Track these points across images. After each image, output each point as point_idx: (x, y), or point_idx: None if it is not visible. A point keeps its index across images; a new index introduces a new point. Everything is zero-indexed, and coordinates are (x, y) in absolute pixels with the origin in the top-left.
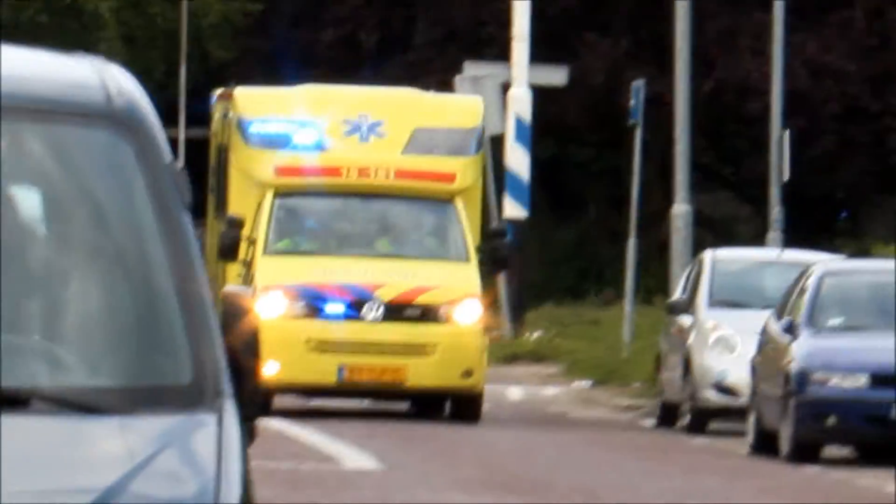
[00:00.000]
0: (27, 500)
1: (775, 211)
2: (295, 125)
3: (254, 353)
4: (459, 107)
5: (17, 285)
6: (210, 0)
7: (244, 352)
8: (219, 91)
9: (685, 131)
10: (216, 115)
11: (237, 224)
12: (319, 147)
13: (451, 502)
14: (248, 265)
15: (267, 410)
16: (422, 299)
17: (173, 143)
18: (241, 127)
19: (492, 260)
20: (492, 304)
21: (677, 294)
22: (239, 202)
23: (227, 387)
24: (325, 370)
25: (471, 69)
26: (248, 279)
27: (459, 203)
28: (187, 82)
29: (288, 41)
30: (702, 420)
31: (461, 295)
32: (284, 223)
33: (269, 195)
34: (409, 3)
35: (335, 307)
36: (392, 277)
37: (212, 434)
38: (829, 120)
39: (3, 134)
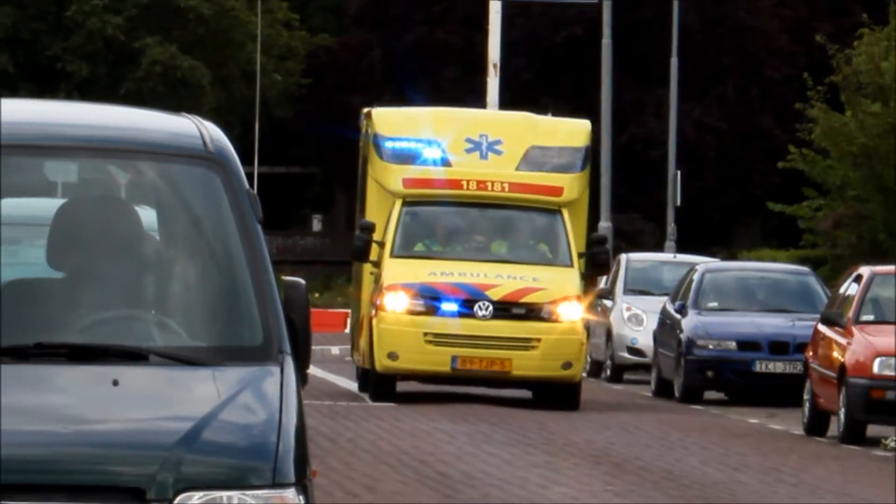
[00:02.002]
0: (148, 426)
1: (671, 227)
2: (423, 143)
3: (306, 323)
4: (569, 129)
5: (140, 275)
6: (274, 78)
7: (299, 323)
8: (364, 110)
9: (607, 169)
10: (363, 130)
11: (369, 229)
12: (444, 162)
13: (440, 427)
14: (378, 265)
15: (392, 395)
16: (528, 299)
17: (250, 176)
18: (377, 143)
19: (593, 264)
20: None
21: (602, 285)
22: (374, 209)
23: (286, 347)
24: (440, 360)
25: None
26: (377, 278)
27: (566, 214)
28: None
29: (329, 106)
30: (619, 373)
31: (564, 295)
32: (410, 229)
33: (398, 204)
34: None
35: (450, 305)
36: (502, 279)
37: (276, 380)
38: (710, 164)
39: (130, 169)
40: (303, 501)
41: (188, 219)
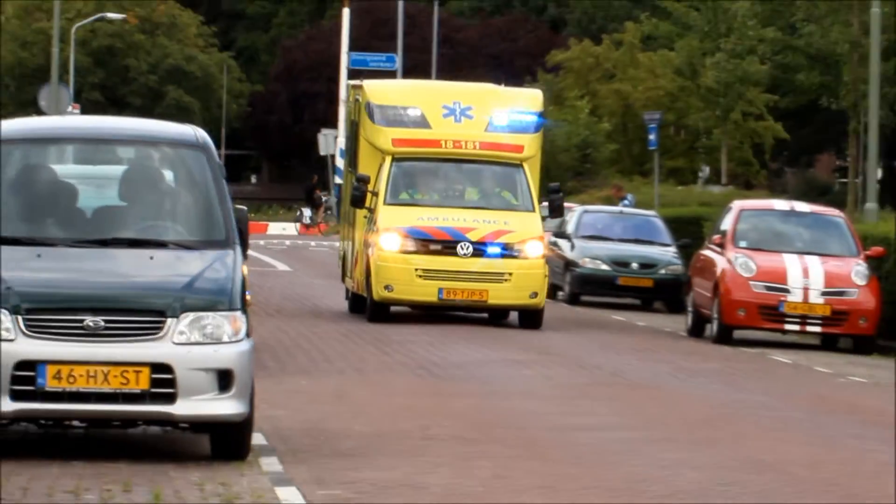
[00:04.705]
0: (167, 279)
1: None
2: (408, 109)
3: (246, 229)
4: (526, 97)
5: (163, 204)
6: (232, 107)
7: (243, 228)
8: (352, 82)
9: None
10: (351, 98)
11: (365, 181)
12: (425, 125)
13: (318, 282)
14: (373, 211)
15: (385, 317)
16: (501, 239)
17: (219, 156)
18: (369, 109)
19: (551, 209)
20: None
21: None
22: (366, 164)
23: (237, 240)
24: (428, 292)
25: (325, 132)
26: (372, 222)
27: (526, 168)
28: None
29: (261, 122)
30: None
31: (529, 236)
32: (399, 181)
33: (388, 160)
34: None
35: (437, 245)
36: (479, 223)
37: (232, 257)
38: None
39: (159, 151)
40: (244, 317)
41: (188, 177)
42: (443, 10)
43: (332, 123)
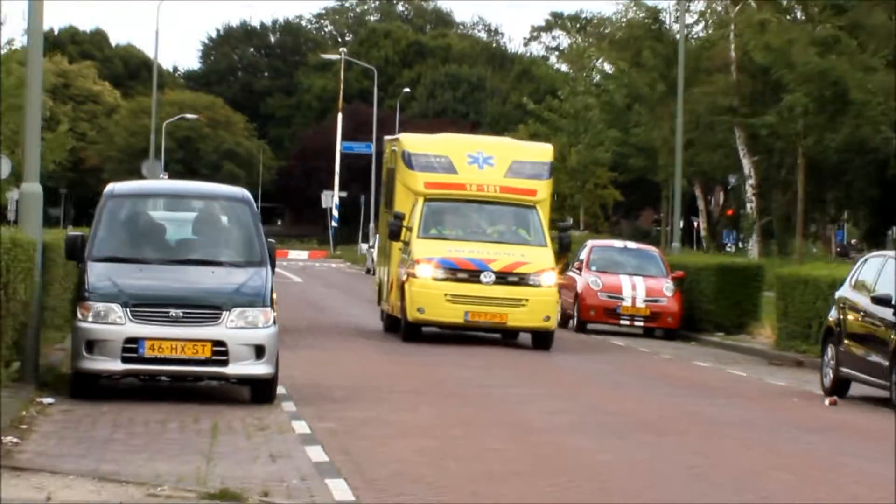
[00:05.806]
0: (223, 286)
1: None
2: (438, 157)
3: (273, 254)
4: (539, 149)
5: (220, 237)
6: (266, 176)
7: (271, 253)
8: (387, 138)
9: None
10: (387, 149)
11: (401, 217)
12: (453, 171)
13: (322, 290)
14: (407, 244)
15: (418, 336)
16: (519, 270)
17: (258, 206)
18: (405, 157)
19: (560, 246)
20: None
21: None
22: (402, 203)
23: (268, 261)
24: (455, 314)
25: (325, 193)
26: (407, 253)
27: (539, 209)
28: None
29: (286, 187)
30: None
31: (543, 268)
32: (430, 218)
33: (421, 201)
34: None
35: (464, 273)
36: (500, 255)
37: (265, 272)
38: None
39: (218, 203)
40: (273, 312)
41: (237, 220)
42: (403, 115)
43: (331, 187)
